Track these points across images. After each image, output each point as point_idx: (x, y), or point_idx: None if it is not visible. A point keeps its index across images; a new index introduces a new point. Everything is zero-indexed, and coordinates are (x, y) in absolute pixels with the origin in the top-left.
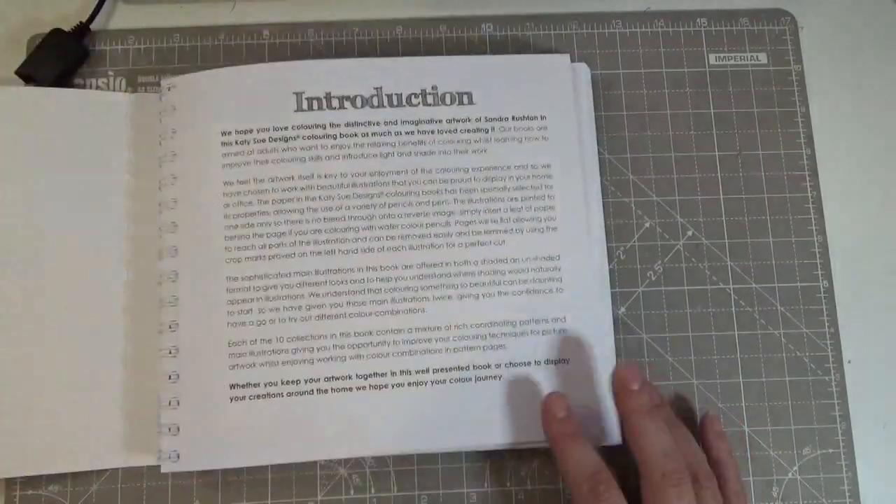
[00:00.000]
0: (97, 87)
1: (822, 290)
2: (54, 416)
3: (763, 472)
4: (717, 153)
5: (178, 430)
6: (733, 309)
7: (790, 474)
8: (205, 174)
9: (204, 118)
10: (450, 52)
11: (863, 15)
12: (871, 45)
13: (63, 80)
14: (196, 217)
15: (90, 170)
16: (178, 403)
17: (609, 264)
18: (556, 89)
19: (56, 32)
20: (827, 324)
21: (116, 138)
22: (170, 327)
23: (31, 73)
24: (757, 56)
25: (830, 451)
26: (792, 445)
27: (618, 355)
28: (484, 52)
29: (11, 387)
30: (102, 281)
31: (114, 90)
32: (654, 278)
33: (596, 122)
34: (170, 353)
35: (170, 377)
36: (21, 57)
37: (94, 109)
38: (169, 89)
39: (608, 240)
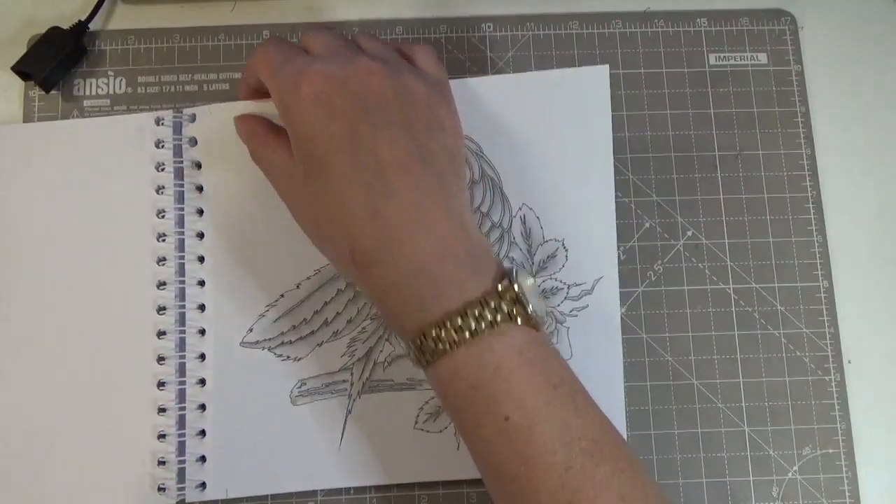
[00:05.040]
0: (97, 87)
1: (822, 290)
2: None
3: (763, 472)
4: (717, 153)
5: (205, 459)
6: (733, 309)
7: (790, 474)
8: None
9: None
10: (449, 52)
11: (863, 15)
12: (871, 45)
13: (60, 77)
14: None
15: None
16: (205, 434)
17: None
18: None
19: (54, 30)
20: (827, 324)
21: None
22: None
23: (26, 70)
24: (757, 56)
25: (830, 451)
26: (792, 445)
27: None
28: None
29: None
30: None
31: (114, 90)
32: (654, 278)
33: None
34: (198, 383)
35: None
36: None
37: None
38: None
39: None
